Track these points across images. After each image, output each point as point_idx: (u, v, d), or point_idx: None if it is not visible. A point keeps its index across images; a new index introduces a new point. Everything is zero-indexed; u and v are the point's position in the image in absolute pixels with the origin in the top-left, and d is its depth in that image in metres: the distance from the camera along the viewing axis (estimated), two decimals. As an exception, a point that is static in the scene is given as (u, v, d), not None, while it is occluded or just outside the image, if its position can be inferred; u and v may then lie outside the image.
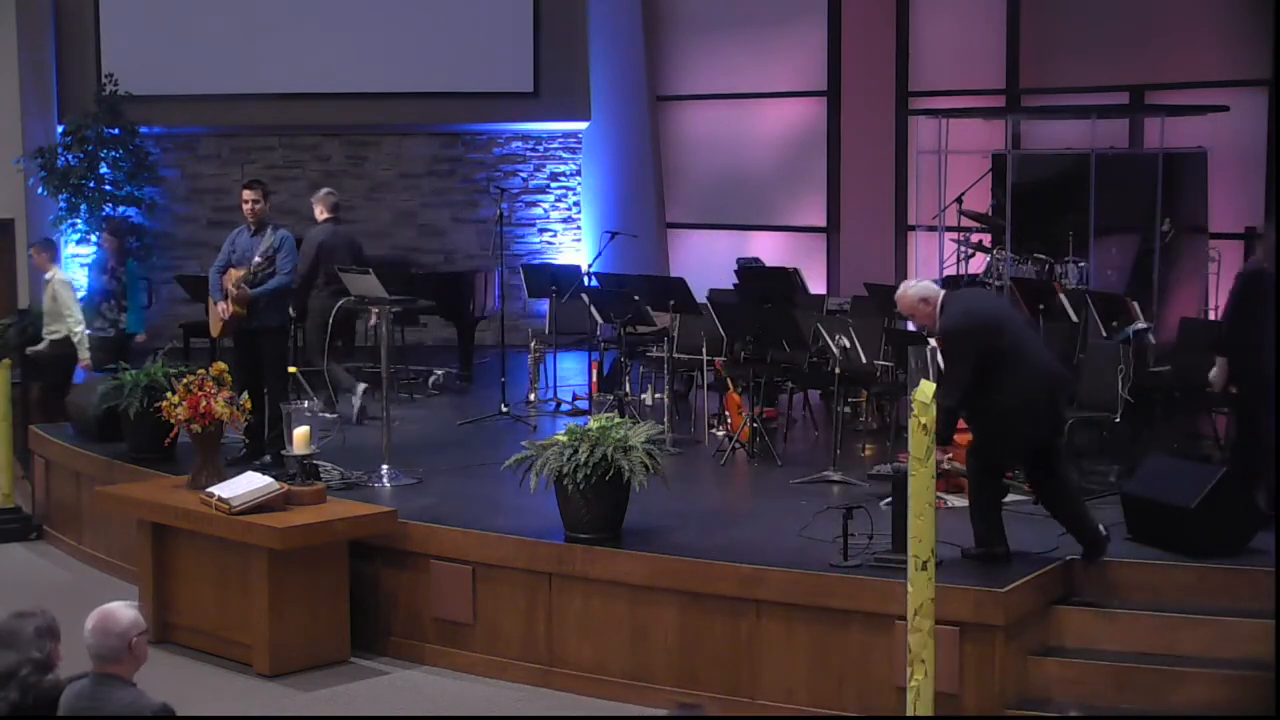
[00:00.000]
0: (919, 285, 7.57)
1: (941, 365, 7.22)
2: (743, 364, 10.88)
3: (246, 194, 9.63)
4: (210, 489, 8.19)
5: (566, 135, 15.92)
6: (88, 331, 11.91)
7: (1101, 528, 7.45)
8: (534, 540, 7.93)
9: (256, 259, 9.44)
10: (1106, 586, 7.45)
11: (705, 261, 14.88)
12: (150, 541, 8.56)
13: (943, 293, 7.52)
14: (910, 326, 11.57)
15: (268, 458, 9.46)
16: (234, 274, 9.47)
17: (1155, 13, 13.27)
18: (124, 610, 4.92)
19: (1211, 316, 11.90)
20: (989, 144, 13.73)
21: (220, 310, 9.53)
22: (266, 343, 9.63)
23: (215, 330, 9.76)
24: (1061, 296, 10.17)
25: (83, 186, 14.62)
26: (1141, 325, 9.76)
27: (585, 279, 12.15)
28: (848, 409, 10.74)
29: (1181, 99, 12.88)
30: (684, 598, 7.52)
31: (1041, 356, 7.51)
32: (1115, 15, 13.42)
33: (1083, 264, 11.66)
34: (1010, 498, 8.64)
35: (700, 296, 11.40)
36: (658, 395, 11.48)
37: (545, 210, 15.94)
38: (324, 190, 11.72)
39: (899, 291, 7.66)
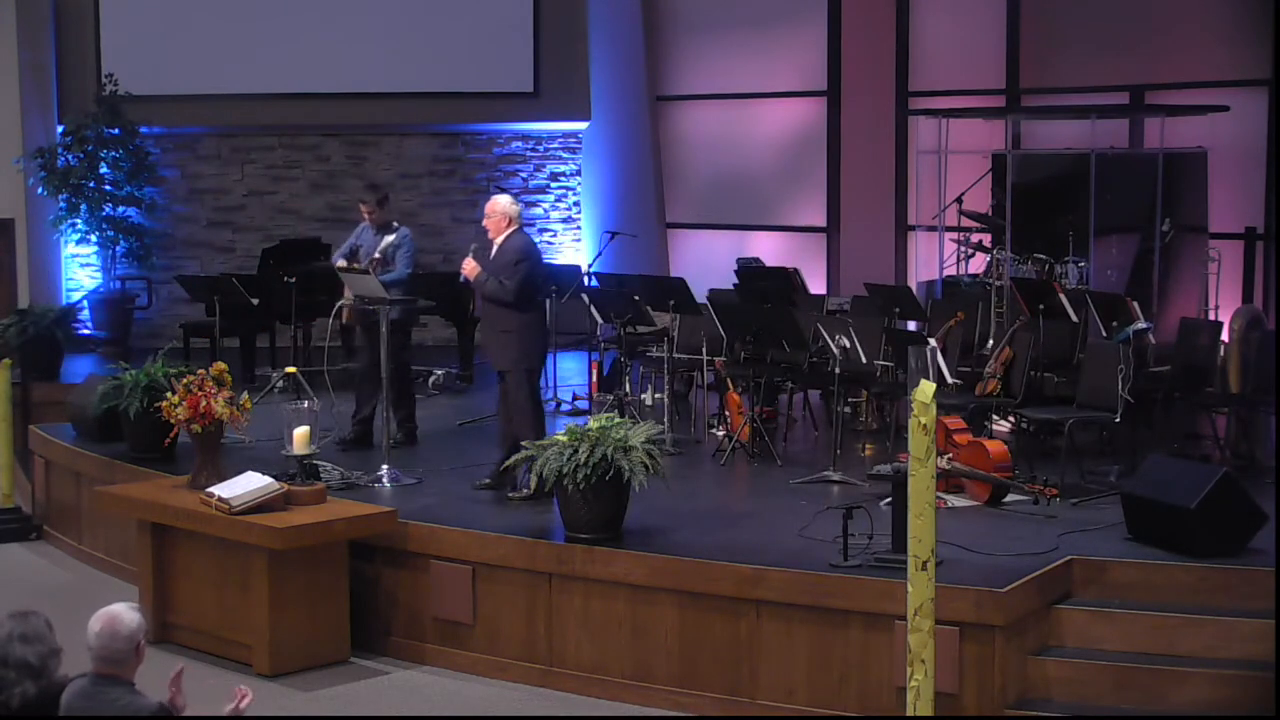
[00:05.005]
0: (507, 202, 9.08)
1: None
2: (743, 364, 10.88)
3: (361, 207, 10.37)
4: (210, 489, 8.18)
5: (566, 135, 15.90)
6: None
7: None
8: (534, 540, 7.93)
9: (375, 255, 10.03)
10: (1106, 586, 7.46)
11: (705, 261, 14.87)
12: (150, 541, 8.56)
13: (517, 226, 9.07)
14: (911, 327, 11.62)
15: (400, 435, 10.14)
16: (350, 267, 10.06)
17: (1155, 13, 13.26)
18: (129, 613, 4.92)
19: (1211, 316, 11.89)
20: (989, 144, 13.72)
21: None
22: (387, 332, 9.73)
23: (345, 316, 10.25)
24: (1061, 296, 10.16)
25: (83, 186, 14.59)
26: (1141, 325, 9.76)
27: (585, 279, 12.14)
28: (848, 409, 10.74)
29: (1181, 99, 12.87)
30: (684, 598, 7.52)
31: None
32: (1115, 15, 13.42)
33: (1083, 264, 11.65)
34: (1010, 498, 8.67)
35: (700, 296, 11.40)
36: (658, 395, 11.49)
37: (545, 210, 15.93)
38: None
39: (495, 198, 9.19)
